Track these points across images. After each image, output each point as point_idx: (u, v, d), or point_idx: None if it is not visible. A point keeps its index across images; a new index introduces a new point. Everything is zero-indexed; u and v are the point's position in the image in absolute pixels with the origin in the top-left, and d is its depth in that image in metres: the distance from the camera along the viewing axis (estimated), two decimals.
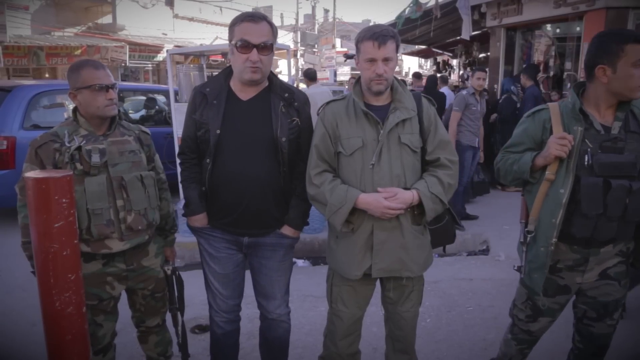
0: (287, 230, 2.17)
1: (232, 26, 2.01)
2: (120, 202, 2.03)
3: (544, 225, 1.96)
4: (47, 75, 14.96)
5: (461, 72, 16.03)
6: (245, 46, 1.95)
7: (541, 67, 9.76)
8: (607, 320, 2.08)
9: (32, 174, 1.21)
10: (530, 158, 1.98)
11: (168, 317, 2.41)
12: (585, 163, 1.87)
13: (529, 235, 2.03)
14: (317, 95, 6.55)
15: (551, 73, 9.80)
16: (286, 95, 2.11)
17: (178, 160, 2.31)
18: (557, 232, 1.92)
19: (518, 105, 7.26)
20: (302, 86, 7.98)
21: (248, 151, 2.05)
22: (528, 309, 2.17)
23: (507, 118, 7.14)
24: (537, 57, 10.12)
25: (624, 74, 1.81)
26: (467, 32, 9.88)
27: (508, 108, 7.29)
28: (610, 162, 1.85)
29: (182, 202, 2.24)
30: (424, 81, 9.75)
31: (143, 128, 2.26)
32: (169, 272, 2.32)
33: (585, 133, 1.89)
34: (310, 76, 7.63)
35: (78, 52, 14.40)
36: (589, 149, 1.87)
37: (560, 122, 1.95)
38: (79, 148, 1.96)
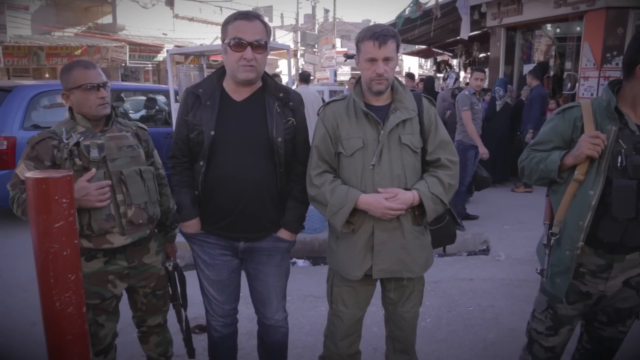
0: (283, 233, 2.14)
1: (225, 25, 1.98)
2: (120, 196, 2.03)
3: (571, 227, 1.87)
4: (47, 75, 14.96)
5: (444, 73, 15.91)
6: (238, 44, 1.92)
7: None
8: (619, 326, 2.02)
9: (32, 174, 1.20)
10: (559, 157, 1.87)
11: (169, 317, 2.41)
12: (619, 164, 1.76)
13: (553, 238, 1.93)
14: (302, 95, 6.74)
15: (551, 73, 9.81)
16: (281, 95, 2.08)
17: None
18: (584, 235, 1.82)
19: (498, 102, 7.38)
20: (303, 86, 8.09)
21: (243, 152, 2.02)
22: (548, 319, 2.05)
23: (487, 116, 7.32)
24: (538, 57, 10.14)
25: None
26: (465, 31, 9.89)
27: (490, 107, 7.47)
28: None
29: None
30: (416, 81, 9.77)
31: (140, 124, 2.26)
32: (170, 268, 2.33)
33: (619, 133, 1.79)
34: (302, 77, 7.80)
35: (78, 52, 14.41)
36: (622, 150, 1.77)
37: (593, 120, 1.85)
38: (77, 144, 1.97)
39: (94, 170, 1.97)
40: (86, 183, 1.92)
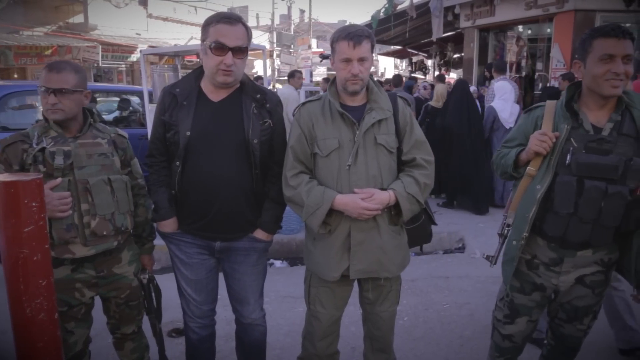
0: (260, 234, 2.14)
1: (207, 26, 1.96)
2: (85, 206, 1.97)
3: (519, 219, 1.98)
4: (15, 76, 14.58)
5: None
6: (219, 48, 1.91)
7: (513, 68, 9.99)
8: (577, 324, 2.08)
9: (0, 177, 1.17)
10: (515, 153, 2.00)
11: (146, 322, 2.36)
12: (566, 162, 1.85)
13: (507, 229, 2.05)
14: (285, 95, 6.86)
15: (523, 73, 10.02)
16: (258, 96, 2.07)
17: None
18: (529, 227, 1.93)
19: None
20: (278, 86, 8.08)
21: (219, 153, 2.01)
22: (506, 307, 2.17)
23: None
24: (510, 57, 10.33)
25: (591, 69, 1.80)
26: (436, 32, 10.05)
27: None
28: (588, 163, 1.81)
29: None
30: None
31: (120, 131, 2.19)
32: (144, 281, 2.25)
33: (573, 132, 1.87)
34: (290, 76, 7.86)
35: (48, 52, 14.07)
36: (571, 148, 1.85)
37: (552, 119, 1.94)
38: (42, 149, 1.92)
39: (59, 179, 1.91)
40: (49, 191, 1.86)
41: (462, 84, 6.42)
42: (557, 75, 8.09)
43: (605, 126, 1.84)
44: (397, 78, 8.83)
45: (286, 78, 8.97)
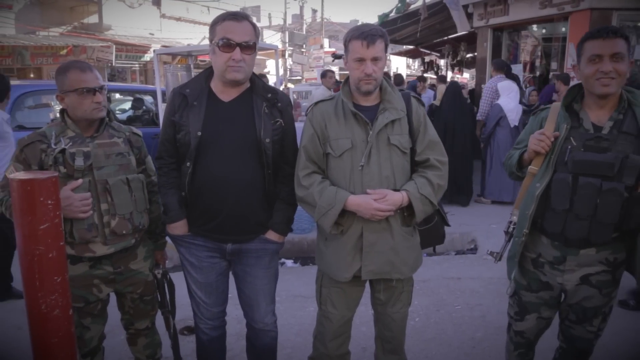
0: (271, 235, 2.12)
1: (214, 25, 1.97)
2: (105, 205, 2.00)
3: (520, 216, 2.03)
4: (32, 76, 14.78)
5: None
6: (227, 45, 1.91)
7: (527, 67, 9.92)
8: (587, 325, 2.07)
9: (17, 175, 1.19)
10: (519, 154, 2.07)
11: (158, 319, 2.38)
12: (565, 160, 1.89)
13: (513, 226, 2.09)
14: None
15: (537, 73, 9.92)
16: (269, 95, 2.06)
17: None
18: (528, 224, 1.97)
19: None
20: (290, 86, 8.11)
21: (230, 153, 2.00)
22: (515, 304, 2.19)
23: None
24: (524, 57, 10.24)
25: (583, 70, 1.87)
26: (462, 26, 9.96)
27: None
28: (584, 160, 1.84)
29: None
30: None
31: (134, 130, 2.22)
32: (159, 276, 2.28)
33: (573, 131, 1.91)
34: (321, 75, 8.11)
35: (64, 52, 14.24)
36: (569, 147, 1.89)
37: (555, 120, 1.98)
38: (62, 151, 1.93)
39: (80, 180, 1.94)
40: (70, 192, 1.89)
41: (453, 86, 6.88)
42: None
43: (605, 125, 1.88)
44: (399, 77, 8.96)
45: (298, 78, 9.03)
